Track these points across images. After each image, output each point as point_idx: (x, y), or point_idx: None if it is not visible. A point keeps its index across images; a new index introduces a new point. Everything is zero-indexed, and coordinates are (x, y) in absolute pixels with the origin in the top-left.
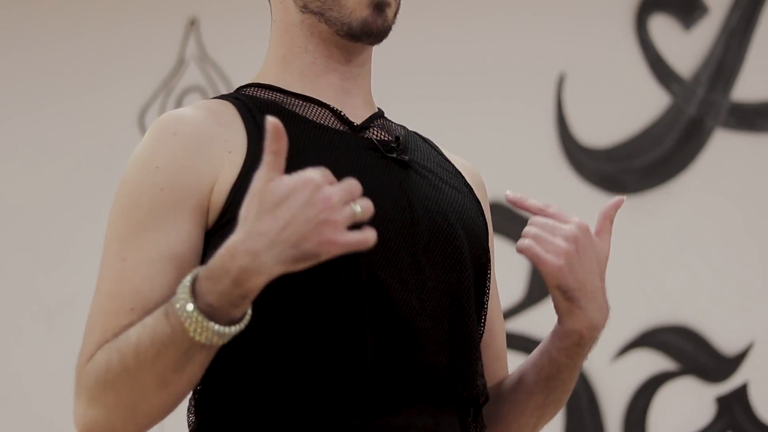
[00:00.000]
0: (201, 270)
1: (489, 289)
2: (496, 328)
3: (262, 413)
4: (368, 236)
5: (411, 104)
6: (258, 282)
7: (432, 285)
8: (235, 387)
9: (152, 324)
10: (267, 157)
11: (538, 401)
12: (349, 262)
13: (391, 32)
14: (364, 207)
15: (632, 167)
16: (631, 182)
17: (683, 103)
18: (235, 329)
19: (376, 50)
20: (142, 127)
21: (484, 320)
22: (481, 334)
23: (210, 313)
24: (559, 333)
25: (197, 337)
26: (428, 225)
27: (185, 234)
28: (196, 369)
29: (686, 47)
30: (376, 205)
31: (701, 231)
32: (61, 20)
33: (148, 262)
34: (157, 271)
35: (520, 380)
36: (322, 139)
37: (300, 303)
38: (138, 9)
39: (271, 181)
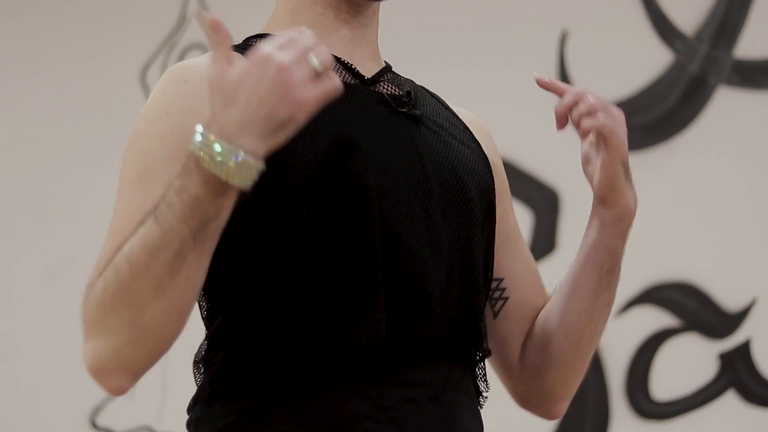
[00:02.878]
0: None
1: (494, 243)
2: (533, 266)
3: (271, 367)
4: (334, 82)
5: (413, 68)
6: (240, 182)
7: (445, 240)
8: (244, 341)
9: (143, 231)
10: (214, 52)
11: (606, 299)
12: (362, 216)
13: None
14: (321, 58)
15: (635, 124)
16: (634, 139)
17: (686, 60)
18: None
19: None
20: (144, 85)
21: (491, 276)
22: (488, 286)
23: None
24: (612, 220)
25: (213, 168)
26: (439, 180)
27: None
28: (191, 270)
29: (689, 4)
30: (388, 160)
31: (704, 188)
32: None
33: (153, 200)
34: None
35: (576, 289)
36: None
37: (313, 258)
38: None
39: (224, 72)
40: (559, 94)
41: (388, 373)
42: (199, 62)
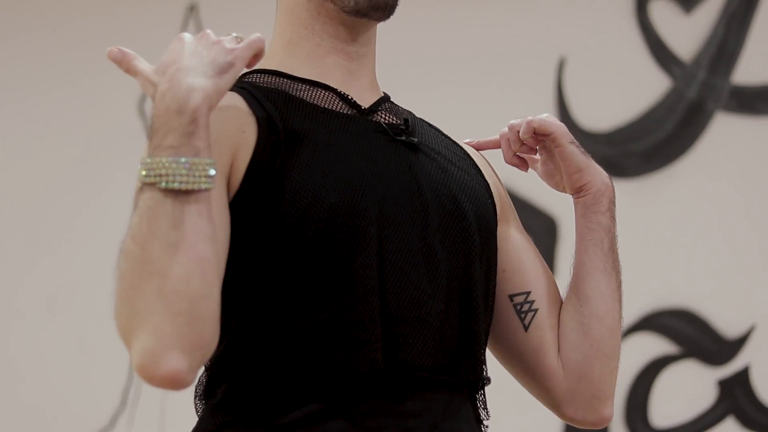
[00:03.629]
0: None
1: (495, 269)
2: (550, 273)
3: (271, 398)
4: (255, 39)
5: (411, 90)
6: (197, 100)
7: (443, 268)
8: (244, 373)
9: (136, 213)
10: (141, 74)
11: (618, 279)
12: (360, 246)
13: (391, 16)
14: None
15: (633, 151)
16: (632, 166)
17: (684, 86)
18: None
19: (377, 36)
20: (142, 113)
21: (492, 303)
22: (489, 315)
23: (176, 152)
24: (593, 199)
25: (177, 185)
26: (438, 208)
27: (216, 198)
28: (195, 219)
29: (687, 30)
30: (386, 189)
31: (702, 214)
32: (60, 5)
33: None
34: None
35: (590, 274)
36: (331, 124)
37: (311, 287)
38: None
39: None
40: (494, 146)
41: (386, 403)
42: None
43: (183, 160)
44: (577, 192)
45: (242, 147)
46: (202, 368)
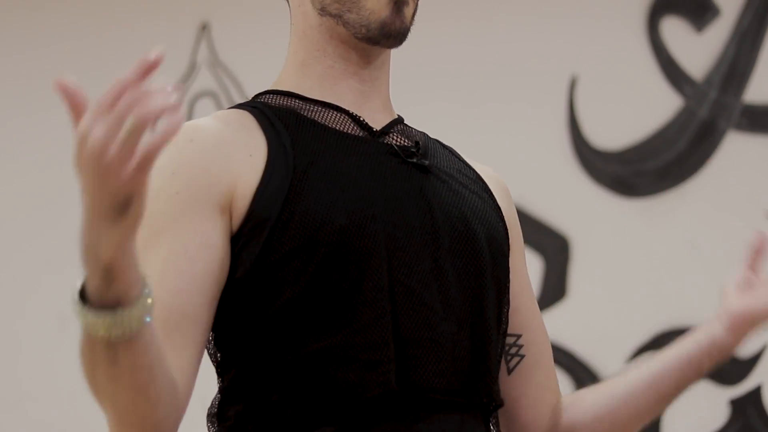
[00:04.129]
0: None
1: (508, 293)
2: (545, 328)
3: (284, 420)
4: (170, 126)
5: (423, 106)
6: (107, 254)
7: (455, 290)
8: (258, 395)
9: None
10: (74, 125)
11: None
12: (371, 268)
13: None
14: (137, 115)
15: (645, 170)
16: (644, 185)
17: (695, 105)
18: (127, 313)
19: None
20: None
21: (505, 325)
22: (502, 337)
23: (101, 299)
24: (722, 347)
25: (101, 332)
26: (449, 230)
27: (204, 232)
28: (131, 359)
29: (698, 49)
30: (397, 211)
31: (714, 233)
32: (72, 23)
33: (165, 260)
34: (175, 264)
35: (646, 389)
36: (342, 146)
37: (323, 309)
38: (149, 14)
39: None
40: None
41: (399, 425)
42: (205, 121)
43: (106, 319)
44: (726, 327)
45: (248, 172)
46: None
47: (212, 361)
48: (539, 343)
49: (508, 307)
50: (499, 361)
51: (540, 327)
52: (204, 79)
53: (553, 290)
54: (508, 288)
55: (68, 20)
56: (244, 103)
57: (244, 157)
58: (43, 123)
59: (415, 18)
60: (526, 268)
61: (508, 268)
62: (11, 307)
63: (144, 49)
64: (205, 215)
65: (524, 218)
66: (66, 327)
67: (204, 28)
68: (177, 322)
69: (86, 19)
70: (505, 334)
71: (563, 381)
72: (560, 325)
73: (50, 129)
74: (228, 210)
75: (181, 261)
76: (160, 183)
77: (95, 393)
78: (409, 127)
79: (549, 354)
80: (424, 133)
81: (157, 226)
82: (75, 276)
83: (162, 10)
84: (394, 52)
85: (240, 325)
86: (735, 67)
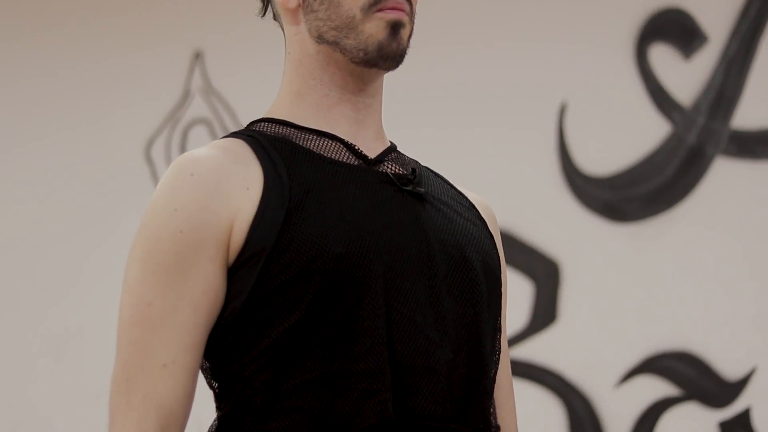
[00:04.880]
0: None
1: (502, 320)
2: (503, 363)
3: None
4: None
5: (415, 130)
6: None
7: (451, 317)
8: (256, 424)
9: None
10: None
11: None
12: (367, 296)
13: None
14: None
15: (634, 195)
16: (633, 210)
17: (684, 131)
18: None
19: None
20: (149, 159)
21: (498, 351)
22: (496, 364)
23: None
24: None
25: None
26: (444, 257)
27: (206, 276)
28: None
29: (686, 76)
30: (393, 239)
31: (703, 258)
32: (69, 51)
33: (173, 310)
34: (182, 318)
35: None
36: (338, 175)
37: (319, 337)
38: (144, 42)
39: None
40: None
41: None
42: (204, 153)
43: None
44: None
45: (245, 206)
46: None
47: (211, 388)
48: (504, 382)
49: (501, 333)
50: (493, 387)
51: (506, 364)
52: (198, 107)
53: (544, 314)
54: (500, 314)
55: (65, 49)
56: (240, 131)
57: (241, 190)
58: (39, 152)
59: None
60: (506, 298)
61: (501, 294)
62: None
63: (140, 76)
64: (207, 256)
65: (515, 243)
66: (62, 354)
67: (198, 56)
68: (177, 367)
69: (83, 47)
70: (498, 360)
71: (555, 405)
72: (551, 348)
73: (50, 159)
74: (226, 244)
75: (188, 312)
76: (164, 219)
77: None
78: (403, 154)
79: (512, 390)
80: (417, 161)
81: (163, 263)
82: (74, 303)
83: (157, 38)
84: (387, 76)
85: (237, 354)
86: (722, 93)
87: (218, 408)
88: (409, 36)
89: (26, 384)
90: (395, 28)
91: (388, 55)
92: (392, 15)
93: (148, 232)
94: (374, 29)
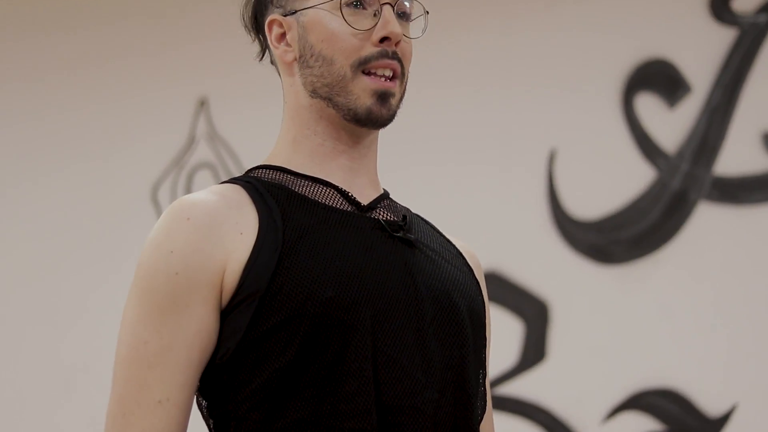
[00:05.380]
0: None
1: (486, 363)
2: (490, 412)
3: None
4: None
5: (409, 172)
6: None
7: (437, 359)
8: None
9: None
10: None
11: None
12: (356, 338)
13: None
14: None
15: (620, 238)
16: (620, 252)
17: (668, 177)
18: None
19: None
20: (155, 202)
21: (484, 393)
22: (482, 406)
23: None
24: None
25: None
26: (432, 302)
27: (200, 316)
28: None
29: (671, 124)
30: (382, 284)
31: (686, 299)
32: (81, 96)
33: (168, 348)
34: (176, 357)
35: None
36: (331, 220)
37: (308, 378)
38: (151, 89)
39: None
40: None
41: None
42: (201, 198)
43: None
44: None
45: (238, 250)
46: None
47: (206, 425)
48: (488, 421)
49: (485, 374)
50: (478, 427)
51: (488, 391)
52: (203, 151)
53: (533, 352)
54: (485, 356)
55: (73, 93)
56: (239, 177)
57: (235, 235)
58: (50, 191)
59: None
60: (489, 340)
61: (485, 337)
62: (18, 367)
63: (146, 122)
64: (201, 297)
65: (505, 284)
66: (70, 387)
67: (203, 103)
68: (171, 404)
69: (91, 93)
70: (484, 401)
71: None
72: (540, 385)
73: (58, 199)
74: (219, 286)
75: (183, 351)
76: (160, 260)
77: None
78: (395, 201)
79: (492, 418)
80: (408, 209)
81: (158, 302)
82: (79, 337)
83: (163, 86)
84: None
85: (231, 393)
86: (705, 141)
87: None
88: (401, 98)
89: (37, 416)
90: (383, 96)
91: (377, 119)
92: (380, 85)
93: (145, 273)
94: (362, 92)
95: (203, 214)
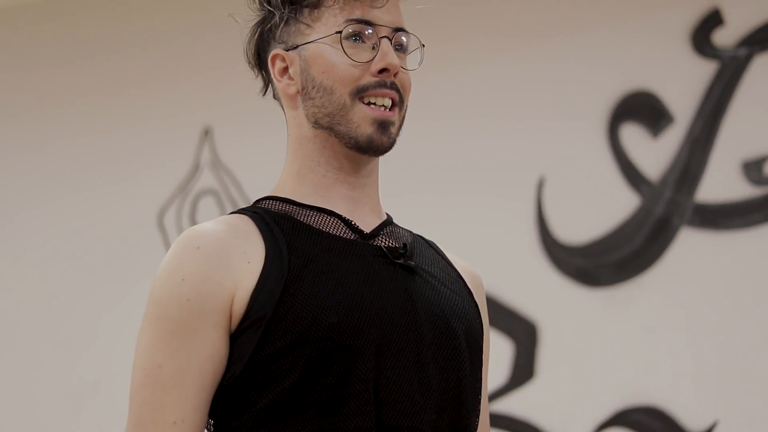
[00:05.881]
0: None
1: (483, 383)
2: (482, 418)
3: None
4: None
5: (403, 198)
6: None
7: (435, 382)
8: None
9: None
10: None
11: None
12: (358, 362)
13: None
14: None
15: (606, 262)
16: (605, 276)
17: (652, 204)
18: None
19: None
20: (161, 227)
21: (479, 414)
22: (476, 426)
23: None
24: None
25: None
26: (431, 327)
27: (211, 341)
28: None
29: (654, 153)
30: (383, 309)
31: (668, 320)
32: (90, 127)
33: (182, 372)
34: (190, 380)
35: None
36: (334, 248)
37: (313, 399)
38: (157, 119)
39: None
40: None
41: None
42: (210, 228)
43: None
44: None
45: (246, 278)
46: None
47: None
48: (485, 428)
49: (482, 396)
50: None
51: (486, 408)
52: (206, 179)
53: (523, 371)
54: (481, 378)
55: (84, 122)
56: (246, 208)
57: (242, 263)
58: (60, 217)
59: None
60: (488, 355)
61: (482, 361)
62: (28, 387)
63: (151, 150)
64: (212, 323)
65: (496, 305)
66: (79, 405)
67: (207, 132)
68: (186, 425)
69: (97, 122)
70: (478, 422)
71: None
72: (529, 403)
73: (65, 222)
74: (228, 312)
75: (196, 374)
76: (172, 288)
77: None
78: (398, 227)
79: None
80: (410, 232)
81: (171, 328)
82: (89, 358)
83: (168, 115)
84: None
85: (237, 412)
86: (687, 169)
87: None
88: (399, 126)
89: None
90: (383, 125)
91: (378, 147)
92: (379, 114)
93: (158, 300)
94: (362, 120)
95: (212, 243)
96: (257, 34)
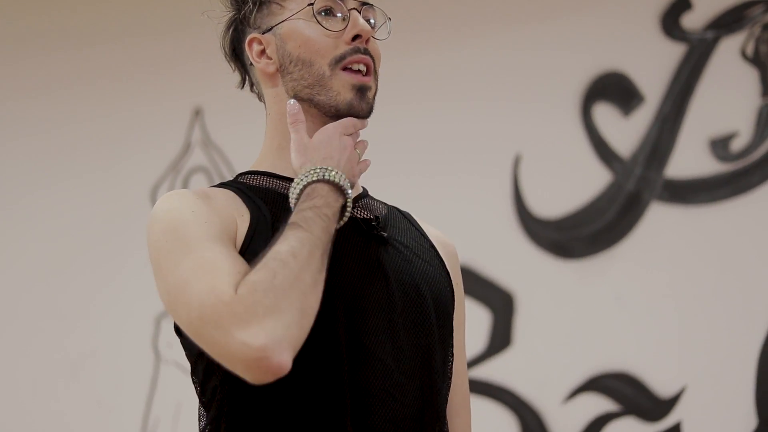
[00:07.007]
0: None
1: (453, 349)
2: (459, 382)
3: None
4: (367, 162)
5: (385, 178)
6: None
7: (406, 347)
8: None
9: (295, 236)
10: (292, 126)
11: None
12: (331, 328)
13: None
14: (361, 148)
15: (579, 235)
16: (578, 248)
17: (623, 179)
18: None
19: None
20: (154, 203)
21: (450, 375)
22: (447, 388)
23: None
24: None
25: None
26: (402, 295)
27: (227, 229)
28: (324, 273)
29: (625, 131)
30: (356, 278)
31: (639, 290)
32: (82, 108)
33: (207, 231)
34: (217, 234)
35: None
36: None
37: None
38: (150, 100)
39: (305, 140)
40: None
41: None
42: (201, 189)
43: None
44: None
45: (240, 225)
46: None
47: (200, 401)
48: (463, 391)
49: (452, 361)
50: (445, 410)
51: (464, 373)
52: (197, 157)
53: (500, 340)
54: (452, 344)
55: (78, 105)
56: (227, 182)
57: (236, 214)
58: (58, 196)
59: (381, 99)
60: (464, 321)
61: (452, 327)
62: (29, 356)
63: (145, 130)
64: (231, 239)
65: (474, 277)
66: (77, 373)
67: (197, 112)
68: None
69: (94, 104)
70: (449, 384)
71: (509, 419)
72: (506, 370)
73: (63, 201)
74: (234, 234)
75: (219, 229)
76: (186, 218)
77: (291, 287)
78: (374, 199)
79: (468, 398)
80: (385, 204)
81: (193, 241)
82: (86, 329)
83: (160, 96)
84: (361, 131)
85: (216, 372)
86: (657, 147)
87: (205, 412)
88: (375, 93)
89: (48, 400)
90: (362, 90)
91: (358, 113)
92: (358, 80)
93: (172, 228)
94: (341, 88)
95: (203, 194)
96: (231, 28)
